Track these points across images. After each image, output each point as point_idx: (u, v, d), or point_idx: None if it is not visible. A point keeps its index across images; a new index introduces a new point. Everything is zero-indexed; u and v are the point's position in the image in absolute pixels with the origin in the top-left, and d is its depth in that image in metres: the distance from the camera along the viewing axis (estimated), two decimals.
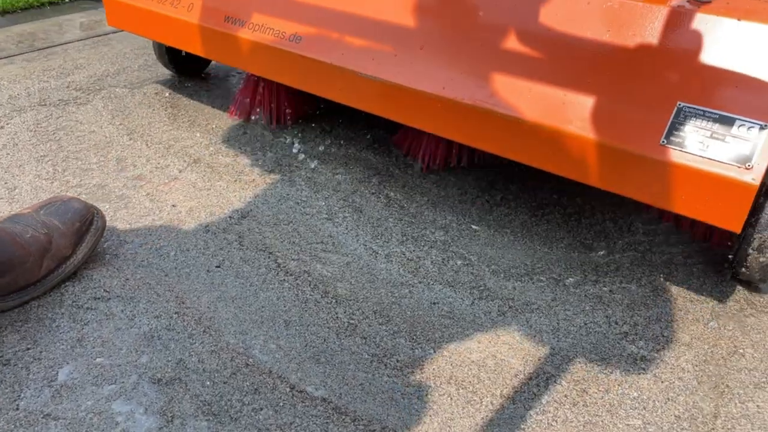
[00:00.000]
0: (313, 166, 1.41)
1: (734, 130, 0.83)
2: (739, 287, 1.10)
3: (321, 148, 1.48)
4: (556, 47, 0.97)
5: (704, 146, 0.85)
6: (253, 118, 1.60)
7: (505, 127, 0.99)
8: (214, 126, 1.56)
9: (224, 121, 1.59)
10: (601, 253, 1.18)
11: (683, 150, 0.86)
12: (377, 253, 1.15)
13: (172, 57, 1.74)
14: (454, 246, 1.18)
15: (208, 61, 1.87)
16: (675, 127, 0.87)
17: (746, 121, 0.83)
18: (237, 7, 1.28)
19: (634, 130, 0.90)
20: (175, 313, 0.98)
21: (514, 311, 1.03)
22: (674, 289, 1.09)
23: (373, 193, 1.32)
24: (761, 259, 0.98)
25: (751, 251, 0.98)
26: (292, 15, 1.22)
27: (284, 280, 1.06)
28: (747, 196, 0.82)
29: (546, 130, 0.96)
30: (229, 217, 1.22)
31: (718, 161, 0.84)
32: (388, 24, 1.12)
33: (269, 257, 1.11)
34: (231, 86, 1.78)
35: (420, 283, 1.08)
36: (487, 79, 1.00)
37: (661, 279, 1.11)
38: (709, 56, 0.87)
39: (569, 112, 0.94)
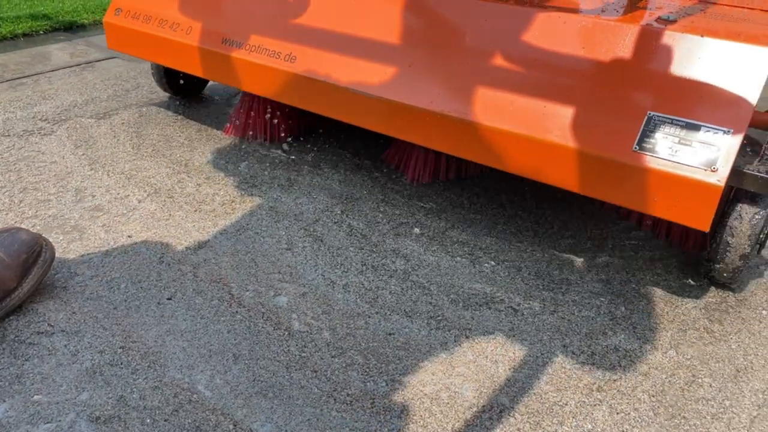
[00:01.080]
0: (275, 195, 1.39)
1: (700, 135, 0.89)
2: (698, 315, 1.09)
3: (286, 176, 1.47)
4: (536, 63, 1.03)
5: (673, 151, 0.90)
6: (250, 133, 1.65)
7: (489, 139, 1.05)
8: (178, 156, 1.55)
9: (189, 151, 1.57)
10: (564, 280, 1.16)
11: (654, 155, 0.91)
12: (335, 283, 1.13)
13: (169, 79, 1.79)
14: (415, 275, 1.16)
15: (204, 84, 1.92)
16: (646, 134, 0.93)
17: (711, 127, 0.88)
18: (234, 29, 1.34)
19: (608, 138, 0.95)
20: (121, 347, 0.95)
21: (470, 341, 1.01)
22: (634, 317, 1.08)
23: (335, 222, 1.31)
24: (731, 261, 1.04)
25: (721, 253, 1.04)
26: (287, 36, 1.28)
27: (237, 312, 1.04)
28: (713, 196, 0.88)
29: (528, 140, 1.01)
30: (186, 247, 1.20)
31: (687, 165, 0.89)
32: (377, 43, 1.18)
33: (223, 289, 1.09)
34: (203, 116, 1.78)
35: (377, 313, 1.06)
36: (472, 93, 1.07)
37: (622, 308, 1.10)
38: (676, 69, 0.93)
39: (549, 122, 0.99)
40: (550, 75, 1.02)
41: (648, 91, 0.94)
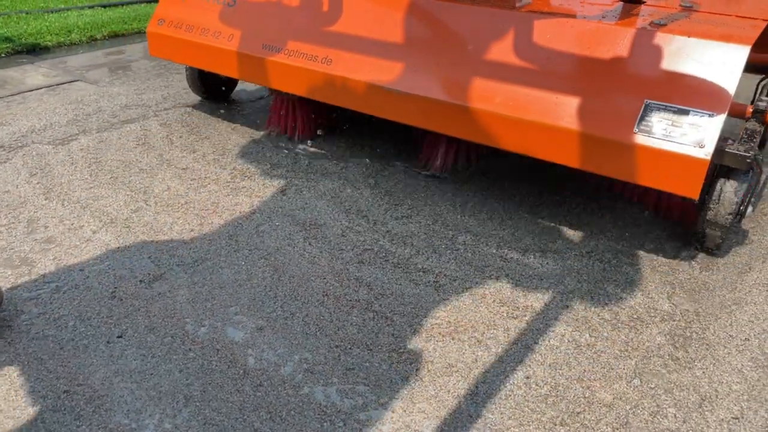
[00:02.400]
0: (237, 223, 1.36)
1: (689, 119, 1.05)
2: (663, 341, 1.08)
3: (249, 203, 1.44)
4: (548, 61, 1.24)
5: (667, 132, 1.06)
6: (281, 132, 1.79)
7: (510, 127, 1.20)
8: (137, 183, 1.51)
9: (149, 177, 1.54)
10: (528, 307, 1.15)
11: (651, 136, 1.07)
12: (294, 315, 1.09)
13: (203, 84, 1.91)
14: (377, 304, 1.13)
15: (232, 89, 2.03)
16: (644, 119, 1.09)
17: (698, 111, 1.05)
18: (273, 36, 1.49)
19: (612, 122, 1.11)
20: (65, 391, 0.90)
21: (432, 375, 0.98)
22: (599, 345, 1.06)
23: (297, 251, 1.28)
24: (717, 229, 1.19)
25: (709, 222, 1.18)
26: (323, 41, 1.43)
27: (190, 349, 1.00)
28: (702, 168, 1.03)
29: (542, 126, 1.16)
30: (141, 281, 1.16)
31: (679, 143, 1.05)
32: (408, 47, 1.38)
33: (177, 324, 1.05)
34: (165, 142, 1.74)
35: (337, 347, 1.03)
36: (494, 89, 1.22)
37: (587, 335, 1.08)
38: (668, 64, 1.09)
39: (560, 111, 1.15)
40: (560, 71, 1.17)
41: (644, 82, 1.10)
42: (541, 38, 1.21)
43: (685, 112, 1.06)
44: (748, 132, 1.16)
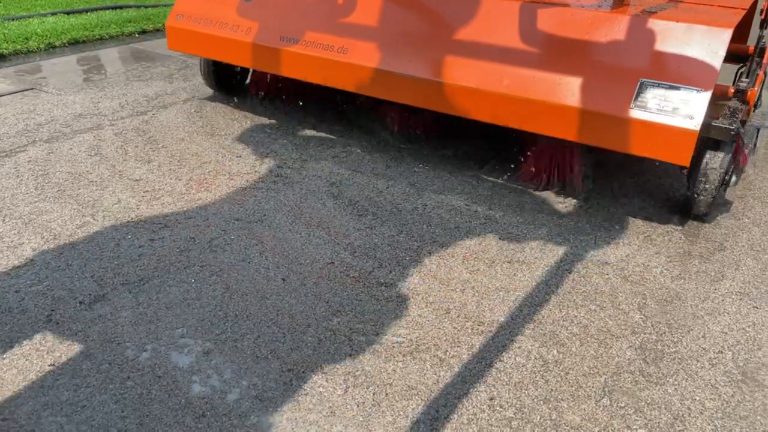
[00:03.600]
0: (189, 237, 1.29)
1: (680, 94, 1.17)
2: (633, 356, 1.03)
3: (203, 216, 1.37)
4: (553, 46, 1.31)
5: (660, 107, 1.19)
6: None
7: (517, 105, 1.31)
8: (86, 196, 1.43)
9: (99, 190, 1.46)
10: (493, 321, 1.09)
11: (646, 111, 1.19)
12: (245, 336, 1.02)
13: (217, 78, 1.98)
14: (335, 322, 1.07)
15: (243, 81, 2.09)
16: (639, 96, 1.21)
17: (687, 88, 1.17)
18: (291, 28, 1.59)
19: (610, 99, 1.23)
20: None
21: (390, 399, 0.92)
22: (567, 362, 1.01)
23: (252, 266, 1.21)
24: (705, 196, 1.31)
25: (698, 190, 1.30)
26: (338, 32, 1.53)
27: (129, 377, 0.92)
28: (692, 138, 1.16)
29: (546, 104, 1.27)
30: (81, 302, 1.08)
31: (671, 116, 1.17)
32: (419, 36, 1.46)
33: (117, 349, 0.98)
34: (120, 153, 1.66)
35: (290, 371, 0.96)
36: (502, 72, 1.34)
37: (554, 351, 1.03)
38: (659, 46, 1.22)
39: (564, 89, 1.26)
40: (563, 55, 1.29)
41: (639, 63, 1.23)
42: (546, 26, 1.34)
43: (676, 89, 1.21)
44: (731, 109, 1.29)
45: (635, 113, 1.21)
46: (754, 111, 1.60)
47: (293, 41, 1.57)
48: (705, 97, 1.15)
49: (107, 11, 3.25)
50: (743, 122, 1.46)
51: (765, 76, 1.62)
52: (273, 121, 1.91)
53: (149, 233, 1.30)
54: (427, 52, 1.42)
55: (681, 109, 1.17)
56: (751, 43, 1.49)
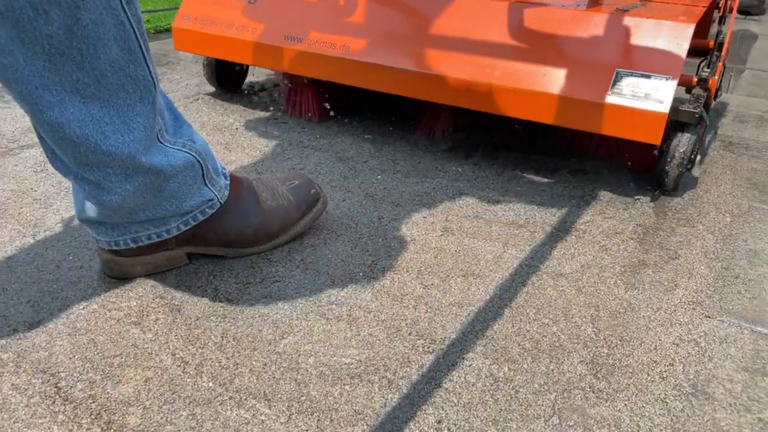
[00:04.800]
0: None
1: (651, 82, 1.37)
2: (584, 371, 1.02)
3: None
4: (537, 41, 1.51)
5: (634, 93, 1.37)
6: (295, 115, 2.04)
7: (507, 95, 1.51)
8: (28, 215, 1.37)
9: (43, 208, 1.40)
10: (445, 339, 1.07)
11: (622, 97, 1.39)
12: (187, 362, 0.99)
13: (219, 75, 2.12)
14: (282, 344, 1.04)
15: (243, 80, 2.26)
16: (616, 83, 1.40)
17: (657, 75, 1.37)
18: (294, 28, 1.73)
19: (591, 87, 1.43)
20: None
21: (335, 426, 0.89)
22: (518, 379, 0.99)
23: (199, 287, 1.17)
24: (673, 173, 1.52)
25: (667, 167, 1.52)
26: (340, 31, 1.69)
27: (59, 411, 0.88)
28: (662, 120, 1.36)
29: (532, 93, 1.47)
30: (14, 330, 1.03)
31: (644, 101, 1.36)
32: (415, 34, 1.64)
33: (49, 380, 0.93)
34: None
35: (231, 398, 0.92)
36: (493, 65, 1.53)
37: (505, 368, 1.01)
38: (633, 40, 1.42)
39: (549, 80, 1.46)
40: (548, 49, 1.49)
41: (615, 55, 1.42)
42: (531, 23, 1.52)
43: (648, 77, 1.37)
44: (695, 96, 1.52)
45: (612, 99, 1.40)
46: (715, 99, 1.84)
47: (297, 40, 1.71)
48: (672, 84, 1.36)
49: None
50: (706, 107, 1.64)
51: (724, 67, 1.86)
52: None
53: (92, 253, 1.25)
54: (425, 48, 1.61)
55: (652, 95, 1.35)
56: (712, 38, 1.75)
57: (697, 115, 1.44)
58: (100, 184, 1.02)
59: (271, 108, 2.10)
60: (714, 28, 1.85)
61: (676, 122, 1.49)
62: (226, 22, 1.81)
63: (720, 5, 1.75)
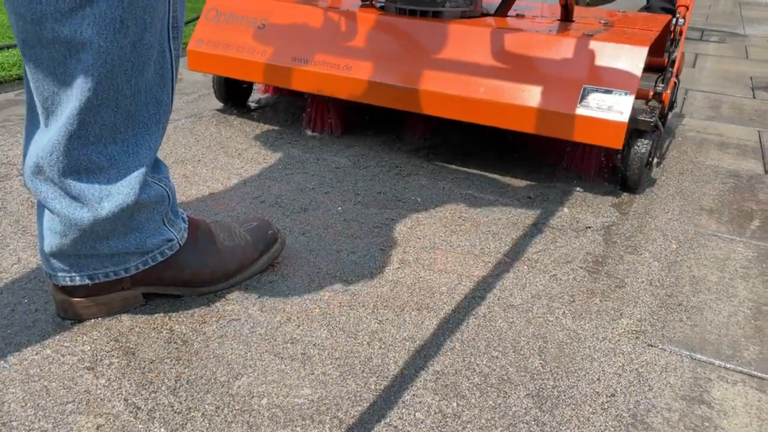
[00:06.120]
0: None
1: (612, 96, 1.63)
2: (530, 405, 1.05)
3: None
4: (517, 62, 1.77)
5: (599, 106, 1.64)
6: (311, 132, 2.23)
7: (491, 107, 1.78)
8: None
9: None
10: (397, 376, 1.10)
11: (589, 108, 1.66)
12: (140, 408, 1.00)
13: (228, 92, 2.35)
14: (236, 386, 1.05)
15: (248, 95, 2.49)
16: (583, 98, 1.66)
17: (618, 91, 1.64)
18: (301, 50, 1.97)
19: (562, 101, 1.69)
20: None
21: None
22: (466, 414, 1.02)
23: (154, 328, 1.18)
24: (634, 172, 1.79)
25: (629, 168, 1.79)
26: (343, 53, 1.94)
27: None
28: (622, 128, 1.62)
29: (513, 106, 1.74)
30: None
31: (607, 112, 1.63)
32: (410, 57, 1.90)
33: (3, 429, 0.93)
34: (17, 208, 1.60)
35: None
36: (478, 82, 1.79)
37: (454, 404, 1.04)
38: (598, 61, 1.69)
39: (527, 94, 1.72)
40: (525, 69, 1.75)
41: (582, 73, 1.69)
42: (510, 46, 1.78)
43: (610, 92, 1.63)
44: (651, 107, 1.80)
45: (581, 111, 1.66)
46: (671, 110, 2.22)
47: (304, 61, 1.93)
48: (630, 98, 1.63)
49: None
50: (661, 118, 1.91)
51: (677, 82, 2.17)
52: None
53: (47, 296, 1.25)
54: (418, 68, 1.85)
55: (614, 107, 1.61)
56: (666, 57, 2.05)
57: (652, 124, 1.71)
58: (80, 197, 1.06)
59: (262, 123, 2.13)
60: (667, 48, 2.03)
61: (635, 129, 1.75)
62: (237, 45, 2.03)
63: (671, 29, 2.05)
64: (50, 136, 1.00)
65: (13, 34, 0.97)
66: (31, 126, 1.07)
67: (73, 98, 0.96)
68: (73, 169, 1.03)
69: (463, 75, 1.79)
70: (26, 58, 0.96)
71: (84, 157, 1.02)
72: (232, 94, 2.42)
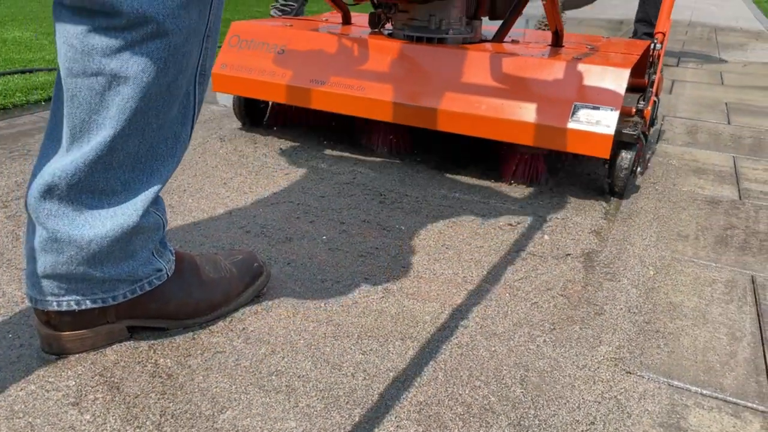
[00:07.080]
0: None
1: (600, 112, 1.83)
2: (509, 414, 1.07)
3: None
4: (514, 82, 1.98)
5: (588, 120, 1.85)
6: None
7: (491, 123, 1.98)
8: None
9: None
10: (380, 406, 1.11)
11: (579, 122, 1.86)
12: None
13: (248, 112, 2.54)
14: (220, 420, 1.06)
15: (263, 116, 2.65)
16: (574, 113, 1.86)
17: (605, 107, 1.84)
18: (319, 73, 2.16)
19: (555, 116, 1.90)
20: None
21: None
22: (458, 429, 1.04)
23: (138, 362, 1.19)
24: (620, 180, 1.99)
25: (615, 176, 2.00)
26: (356, 76, 2.13)
27: None
28: (609, 140, 1.83)
29: (512, 121, 1.94)
30: None
31: (595, 126, 1.84)
32: (411, 77, 2.12)
33: None
34: (1, 240, 1.60)
35: None
36: (480, 101, 2.01)
37: (445, 425, 1.06)
38: (586, 81, 1.90)
39: (524, 111, 1.93)
40: (521, 89, 1.97)
41: (573, 92, 1.90)
42: (508, 69, 2.00)
43: (597, 108, 1.83)
44: (634, 122, 2.04)
45: (572, 125, 1.86)
46: (652, 125, 2.50)
47: (321, 83, 2.13)
48: (616, 113, 1.84)
49: (14, 75, 3.17)
50: (643, 132, 2.13)
51: (657, 101, 2.41)
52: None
53: (32, 330, 1.25)
54: (427, 88, 2.06)
55: (601, 122, 1.82)
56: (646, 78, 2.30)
57: (635, 137, 1.92)
58: (86, 215, 1.09)
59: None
60: (647, 70, 2.19)
61: (620, 142, 1.96)
62: (259, 68, 2.23)
63: (650, 54, 2.28)
64: (74, 158, 1.04)
65: (58, 61, 1.00)
66: (49, 150, 1.09)
67: (107, 126, 1.01)
68: (89, 189, 1.08)
69: (466, 94, 1.98)
70: (66, 86, 1.01)
71: (102, 180, 1.07)
72: (251, 114, 2.64)
